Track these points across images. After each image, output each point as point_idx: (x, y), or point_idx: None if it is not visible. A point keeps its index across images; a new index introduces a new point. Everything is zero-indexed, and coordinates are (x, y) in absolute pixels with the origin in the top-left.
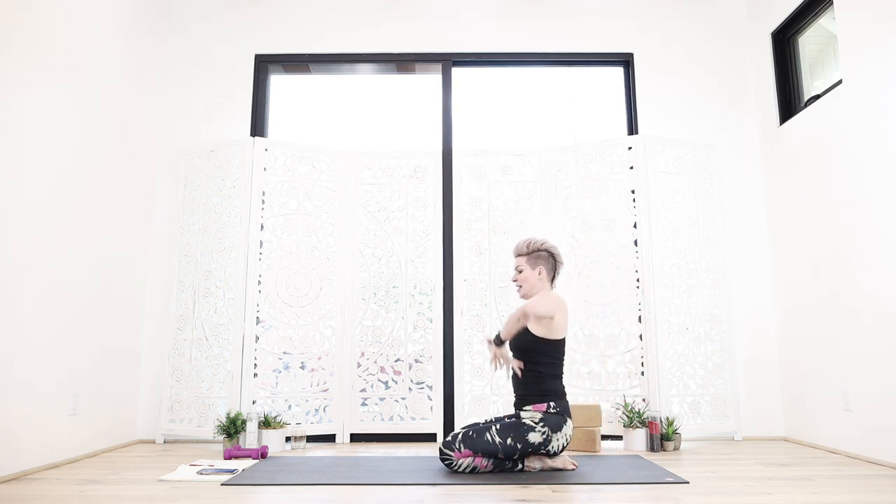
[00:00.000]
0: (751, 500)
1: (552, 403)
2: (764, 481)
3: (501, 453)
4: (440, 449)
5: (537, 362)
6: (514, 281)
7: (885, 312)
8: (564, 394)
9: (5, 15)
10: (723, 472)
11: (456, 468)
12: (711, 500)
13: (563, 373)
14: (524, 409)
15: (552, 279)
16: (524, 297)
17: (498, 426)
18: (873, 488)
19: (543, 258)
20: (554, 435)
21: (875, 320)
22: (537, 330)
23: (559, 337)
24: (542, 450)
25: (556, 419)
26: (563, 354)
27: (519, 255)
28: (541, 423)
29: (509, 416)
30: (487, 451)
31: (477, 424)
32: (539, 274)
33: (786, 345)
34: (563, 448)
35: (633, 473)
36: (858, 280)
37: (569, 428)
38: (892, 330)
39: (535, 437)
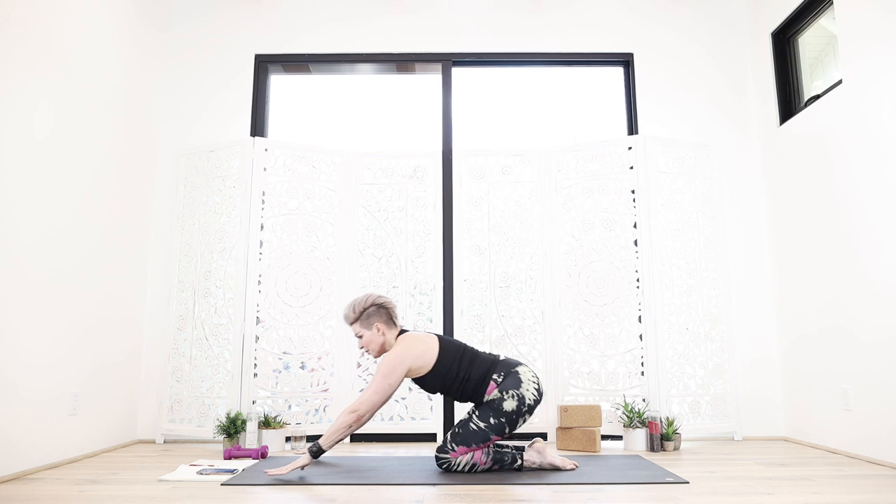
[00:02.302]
0: (751, 500)
1: (493, 377)
2: (764, 481)
3: (493, 434)
4: (436, 456)
5: (448, 384)
6: (362, 348)
7: (886, 312)
8: (494, 359)
9: (3, 13)
10: (723, 472)
11: (455, 468)
12: (711, 500)
13: (474, 353)
14: (483, 403)
15: (393, 324)
16: (378, 356)
17: (476, 413)
18: (873, 488)
19: (373, 314)
20: (522, 390)
21: (875, 320)
22: (412, 374)
23: (432, 365)
24: (524, 410)
25: (510, 380)
26: (455, 355)
27: (352, 323)
28: (503, 393)
29: None
30: (479, 439)
31: (459, 422)
32: (378, 331)
33: (786, 345)
34: (540, 394)
35: (633, 473)
36: (859, 280)
37: (526, 375)
38: (892, 329)
39: (510, 405)
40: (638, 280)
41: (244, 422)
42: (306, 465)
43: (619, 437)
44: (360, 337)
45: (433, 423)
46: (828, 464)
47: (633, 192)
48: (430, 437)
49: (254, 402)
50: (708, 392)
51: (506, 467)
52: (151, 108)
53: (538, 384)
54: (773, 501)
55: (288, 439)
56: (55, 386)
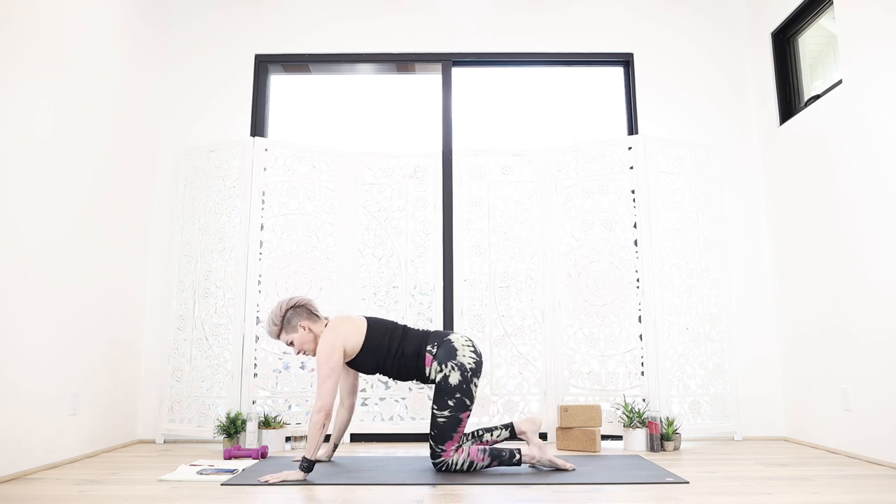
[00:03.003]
0: (751, 500)
1: (428, 349)
2: (764, 481)
3: (461, 413)
4: (432, 463)
5: (382, 362)
6: (299, 353)
7: (886, 312)
8: (426, 332)
9: (3, 13)
10: (723, 472)
11: (454, 467)
12: (711, 500)
13: (405, 329)
14: (428, 379)
15: (316, 317)
16: (315, 354)
17: (434, 406)
18: (873, 488)
19: (293, 317)
20: (458, 358)
21: (875, 320)
22: (347, 356)
23: (363, 343)
24: (469, 375)
25: (443, 351)
26: (385, 332)
27: (278, 336)
28: (442, 367)
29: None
30: (452, 426)
31: (430, 424)
32: (305, 329)
33: (786, 345)
34: (479, 354)
35: (633, 473)
36: (859, 280)
37: (459, 341)
38: (892, 329)
39: (454, 378)
40: (638, 280)
41: (244, 422)
42: (297, 480)
43: (619, 437)
44: (292, 344)
45: None
46: (828, 464)
47: (633, 192)
48: None
49: (254, 402)
50: (708, 392)
51: (504, 462)
52: (151, 108)
53: (473, 346)
54: (773, 501)
55: (288, 439)
56: (55, 386)
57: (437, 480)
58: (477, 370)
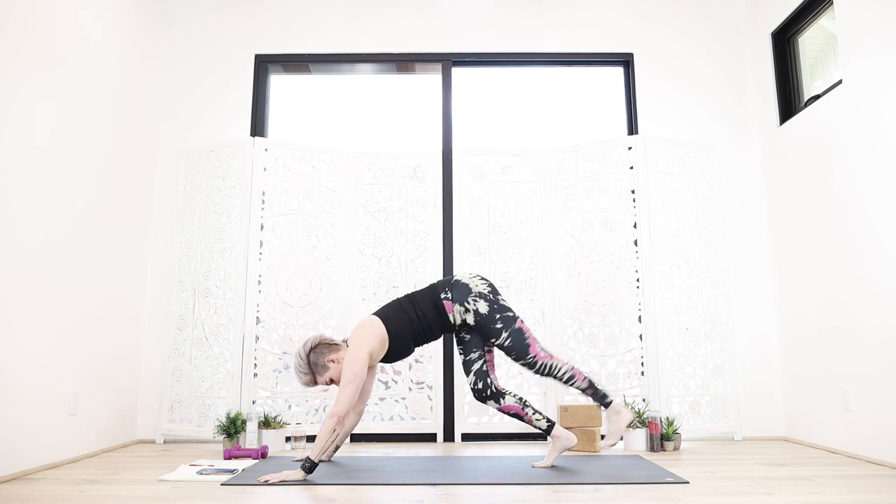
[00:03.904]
0: (751, 500)
1: (442, 297)
2: (764, 481)
3: (516, 325)
4: (533, 372)
5: (415, 334)
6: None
7: (886, 312)
8: (431, 286)
9: (3, 13)
10: (723, 472)
11: (555, 372)
12: (711, 500)
13: (409, 296)
14: (452, 326)
15: (337, 345)
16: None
17: (491, 341)
18: (873, 488)
19: (318, 358)
20: (476, 290)
21: (875, 320)
22: (377, 355)
23: (387, 333)
24: (493, 299)
25: (458, 292)
26: (397, 310)
27: (316, 384)
28: (465, 304)
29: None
30: (522, 337)
31: (507, 348)
32: (334, 362)
33: (786, 345)
34: (487, 279)
35: (633, 473)
36: (859, 280)
37: (465, 278)
38: (892, 329)
39: (483, 307)
40: (638, 280)
41: (244, 422)
42: (297, 480)
43: (619, 438)
44: (332, 381)
45: (433, 423)
46: (828, 464)
47: (633, 192)
48: (431, 437)
49: (254, 402)
50: (708, 392)
51: (598, 398)
52: (151, 108)
53: (481, 276)
54: (773, 501)
55: (288, 439)
56: (55, 386)
57: (437, 480)
58: (495, 291)
